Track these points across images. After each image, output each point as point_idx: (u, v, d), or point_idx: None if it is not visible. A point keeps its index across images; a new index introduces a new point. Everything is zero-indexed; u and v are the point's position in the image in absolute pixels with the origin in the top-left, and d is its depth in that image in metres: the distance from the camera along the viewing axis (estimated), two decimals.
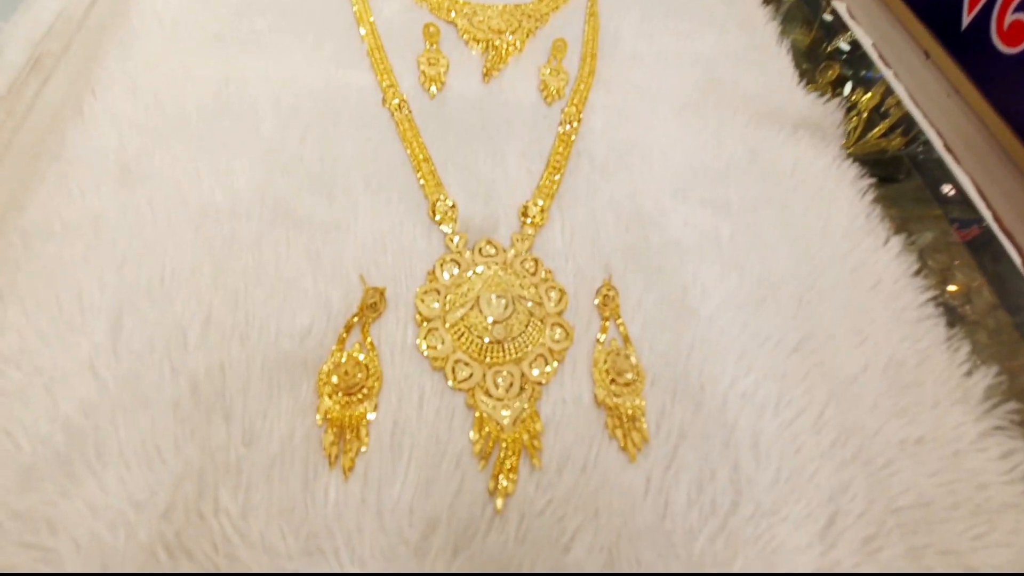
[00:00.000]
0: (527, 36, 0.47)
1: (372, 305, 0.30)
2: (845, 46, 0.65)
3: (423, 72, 0.42)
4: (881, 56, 0.62)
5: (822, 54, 0.66)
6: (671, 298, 0.34)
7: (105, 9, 0.41)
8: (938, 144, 0.57)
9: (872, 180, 0.43)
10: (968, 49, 0.71)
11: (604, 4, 0.52)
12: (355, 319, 0.30)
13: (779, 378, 0.32)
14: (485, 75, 0.43)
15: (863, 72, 0.65)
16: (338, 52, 0.42)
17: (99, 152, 0.33)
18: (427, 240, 0.34)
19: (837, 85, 0.63)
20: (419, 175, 0.36)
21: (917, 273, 0.38)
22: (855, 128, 0.61)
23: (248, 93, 0.38)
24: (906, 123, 0.56)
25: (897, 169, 0.52)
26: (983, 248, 0.47)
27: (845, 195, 0.42)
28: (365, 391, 0.28)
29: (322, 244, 0.32)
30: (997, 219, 0.51)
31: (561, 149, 0.40)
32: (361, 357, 0.29)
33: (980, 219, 0.50)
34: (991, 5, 0.68)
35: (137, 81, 0.37)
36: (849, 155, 0.55)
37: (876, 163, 0.53)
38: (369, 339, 0.30)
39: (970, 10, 0.71)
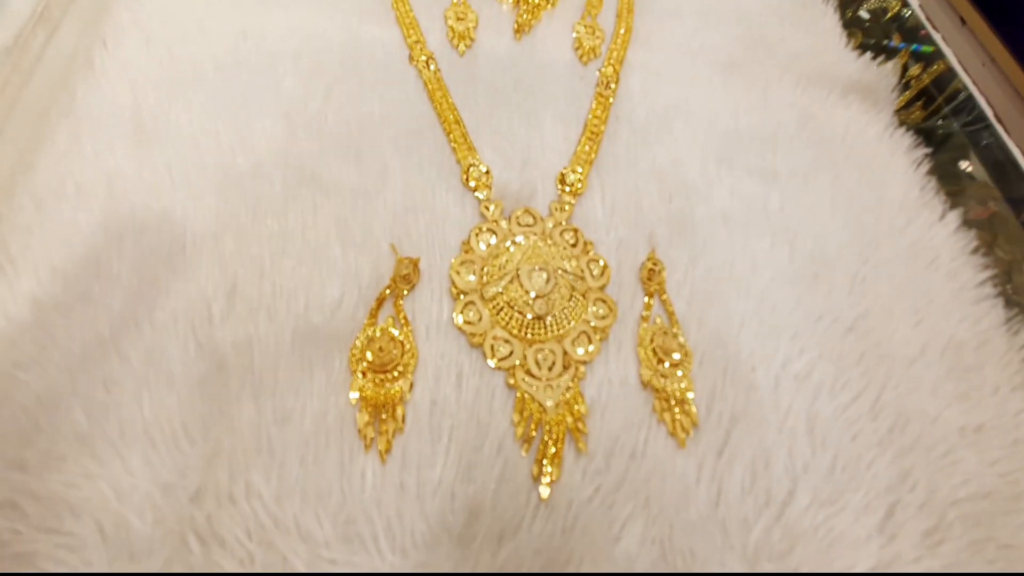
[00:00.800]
0: None
1: (405, 276, 0.28)
2: (865, 15, 0.62)
3: (451, 27, 0.40)
4: (928, 19, 0.59)
5: (844, 21, 0.62)
6: (718, 272, 0.32)
7: None
8: (989, 113, 0.53)
9: (928, 150, 0.40)
10: (1007, 17, 0.68)
11: None
12: (387, 291, 0.28)
13: (834, 359, 0.30)
14: (517, 31, 0.41)
15: (884, 41, 0.63)
16: (361, 4, 0.39)
17: (112, 109, 0.31)
18: (460, 208, 0.32)
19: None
20: (450, 138, 0.34)
21: (975, 251, 0.35)
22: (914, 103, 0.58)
23: (267, 47, 0.36)
24: (926, 96, 0.53)
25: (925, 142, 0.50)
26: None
27: (899, 165, 0.39)
28: (400, 369, 0.26)
29: (350, 211, 0.30)
30: None
31: (599, 112, 0.37)
32: (395, 332, 0.27)
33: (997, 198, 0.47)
34: None
35: (150, 33, 0.35)
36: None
37: None
38: (403, 313, 0.28)
39: None
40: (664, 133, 0.37)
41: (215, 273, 0.27)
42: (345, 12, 0.39)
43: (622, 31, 0.43)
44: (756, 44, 0.44)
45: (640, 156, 0.36)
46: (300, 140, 0.32)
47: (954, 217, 0.37)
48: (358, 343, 0.27)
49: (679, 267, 0.32)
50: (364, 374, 0.26)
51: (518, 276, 0.29)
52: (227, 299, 0.27)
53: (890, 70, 0.43)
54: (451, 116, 0.35)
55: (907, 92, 0.56)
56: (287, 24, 0.37)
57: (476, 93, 0.37)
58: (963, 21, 0.76)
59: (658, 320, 0.30)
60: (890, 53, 0.58)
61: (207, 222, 0.29)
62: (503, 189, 0.33)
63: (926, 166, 0.39)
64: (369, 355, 0.26)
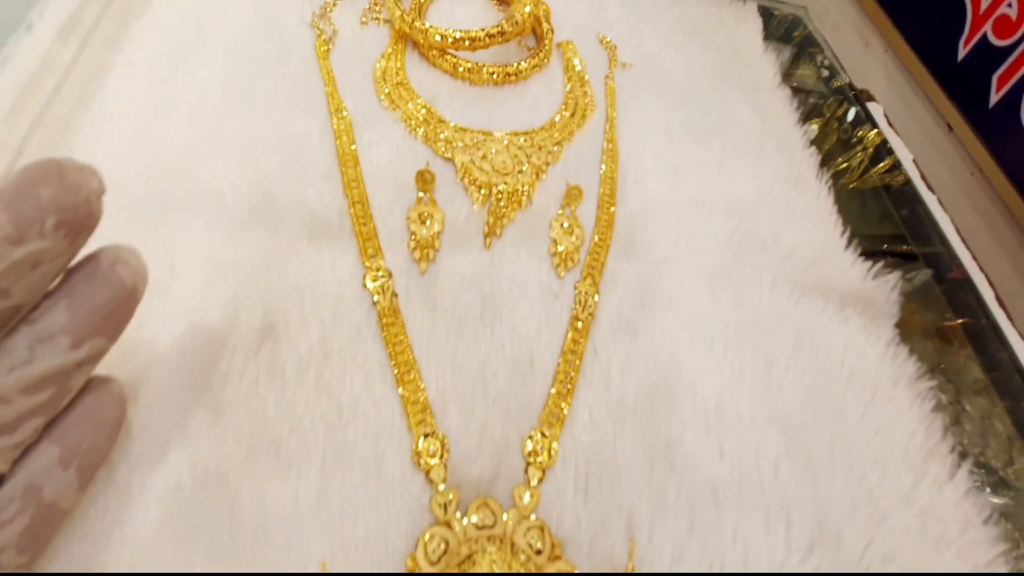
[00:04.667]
0: (536, 177, 0.40)
1: None
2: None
3: (413, 235, 0.36)
4: (923, 176, 0.56)
5: (829, 91, 0.62)
6: (707, 570, 0.28)
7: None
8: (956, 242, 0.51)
9: (934, 382, 0.36)
10: (995, 127, 0.67)
11: (624, 126, 0.46)
12: None
13: None
14: (486, 235, 0.37)
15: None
16: (314, 214, 0.35)
17: None
18: (407, 496, 0.27)
19: (842, 120, 0.58)
20: (403, 393, 0.30)
21: (987, 520, 0.32)
22: (860, 163, 0.57)
23: (191, 272, 0.31)
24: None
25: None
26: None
27: (904, 398, 0.36)
28: None
29: (273, 521, 0.26)
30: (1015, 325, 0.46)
31: (575, 344, 0.33)
32: None
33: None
34: (1022, 84, 0.64)
35: None
36: (852, 188, 0.52)
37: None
38: None
39: (999, 88, 0.67)
40: (646, 372, 0.33)
41: None
42: (291, 230, 0.34)
43: (604, 226, 0.39)
44: (747, 242, 0.41)
45: (620, 407, 0.32)
46: (206, 442, 0.28)
47: (964, 476, 0.33)
48: None
49: (661, 564, 0.28)
50: None
51: None
52: None
53: (891, 280, 0.40)
54: (406, 362, 0.31)
55: (892, 156, 0.56)
56: (217, 247, 0.33)
57: (435, 326, 0.33)
58: (950, 128, 0.75)
59: None
60: (875, 121, 0.59)
61: None
62: (460, 468, 0.29)
63: (931, 399, 0.36)
64: None
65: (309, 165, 0.37)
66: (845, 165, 0.56)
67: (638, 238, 0.39)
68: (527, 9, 0.45)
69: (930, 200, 0.54)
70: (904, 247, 0.50)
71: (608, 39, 0.53)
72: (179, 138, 0.36)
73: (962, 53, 0.69)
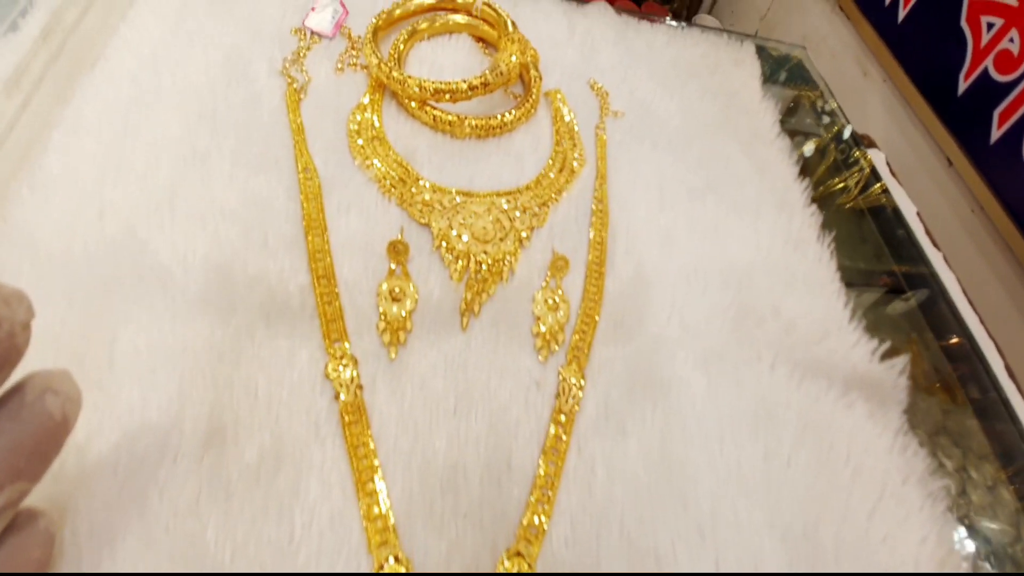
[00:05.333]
0: (519, 245, 0.37)
1: None
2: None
3: (383, 315, 0.33)
4: (927, 231, 0.54)
5: (828, 136, 0.59)
6: None
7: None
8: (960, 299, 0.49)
9: (945, 482, 0.34)
10: (996, 164, 0.65)
11: (615, 183, 0.43)
12: None
13: None
14: (463, 314, 0.34)
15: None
16: (273, 296, 0.32)
17: None
18: None
19: (839, 139, 0.57)
20: (363, 508, 0.27)
21: None
22: (857, 183, 0.55)
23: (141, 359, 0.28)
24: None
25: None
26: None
27: (914, 498, 0.33)
28: None
29: None
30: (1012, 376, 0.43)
31: (557, 441, 0.30)
32: None
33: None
34: None
35: None
36: (849, 207, 0.51)
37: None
38: None
39: (1000, 124, 0.65)
40: (631, 477, 0.30)
41: None
42: (247, 311, 0.31)
43: (591, 302, 0.36)
44: (744, 316, 0.38)
45: (604, 517, 0.29)
46: None
47: None
48: None
49: None
50: None
51: None
52: None
53: (899, 364, 0.37)
54: (367, 471, 0.28)
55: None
56: (162, 333, 0.29)
57: (404, 422, 0.30)
58: (950, 162, 0.73)
59: None
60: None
61: None
62: None
63: (943, 499, 0.33)
64: None
65: (271, 233, 0.34)
66: (842, 185, 0.54)
67: (628, 315, 0.36)
68: (513, 58, 0.43)
69: (935, 257, 0.51)
70: (896, 267, 0.48)
71: (600, 85, 0.50)
72: (128, 205, 0.33)
73: (962, 87, 0.67)
